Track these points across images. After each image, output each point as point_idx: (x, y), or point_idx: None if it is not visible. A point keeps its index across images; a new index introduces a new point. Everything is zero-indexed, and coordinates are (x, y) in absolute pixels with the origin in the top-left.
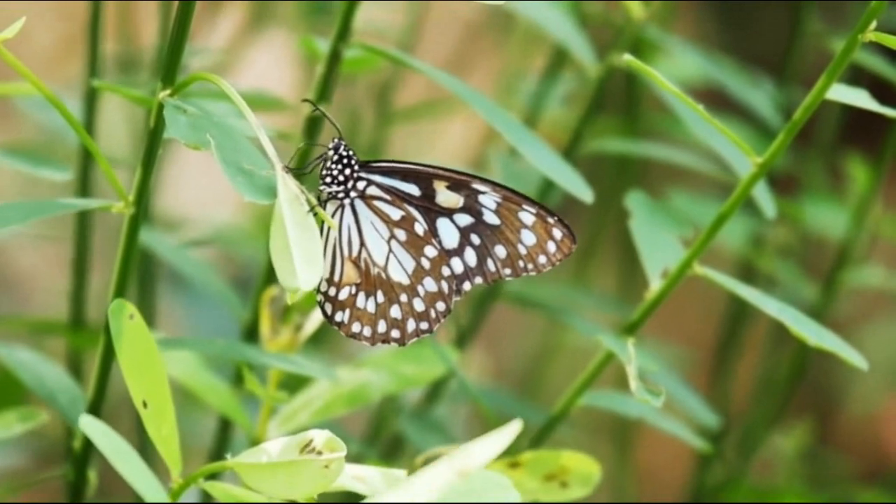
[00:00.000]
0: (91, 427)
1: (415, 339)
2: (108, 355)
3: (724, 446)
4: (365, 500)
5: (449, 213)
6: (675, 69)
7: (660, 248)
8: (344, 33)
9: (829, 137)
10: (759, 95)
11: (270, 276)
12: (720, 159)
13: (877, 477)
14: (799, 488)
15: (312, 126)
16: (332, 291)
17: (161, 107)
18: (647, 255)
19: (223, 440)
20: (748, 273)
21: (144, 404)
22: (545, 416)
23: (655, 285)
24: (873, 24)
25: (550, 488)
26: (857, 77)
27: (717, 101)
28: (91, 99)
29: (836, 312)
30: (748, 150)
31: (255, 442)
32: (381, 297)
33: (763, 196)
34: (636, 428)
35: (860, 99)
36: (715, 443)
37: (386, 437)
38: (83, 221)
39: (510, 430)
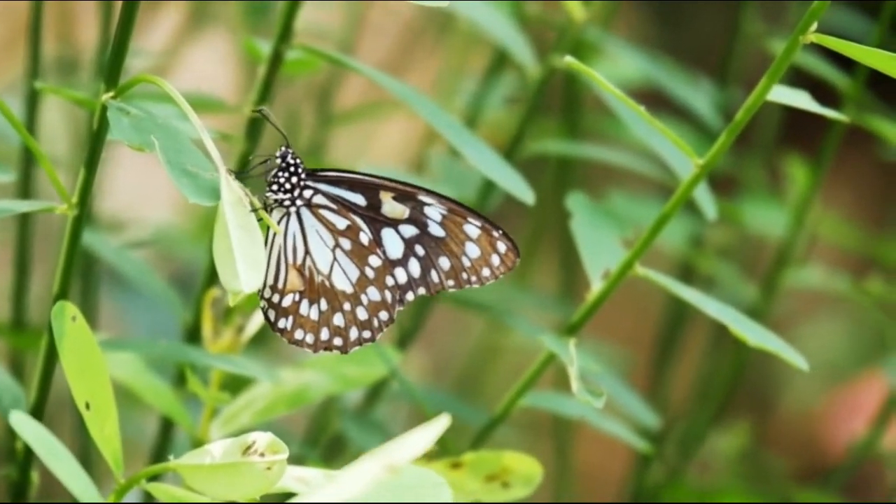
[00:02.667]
0: (24, 426)
1: (357, 348)
2: (51, 356)
3: (664, 446)
4: (294, 500)
5: (394, 223)
6: (615, 70)
7: (601, 249)
8: (285, 35)
9: (768, 138)
10: (698, 96)
11: (212, 278)
12: (661, 160)
13: (813, 476)
14: (738, 488)
15: (254, 128)
16: (276, 298)
17: (104, 109)
18: (588, 257)
19: (165, 441)
20: (688, 273)
21: (87, 405)
22: (486, 417)
23: (597, 286)
24: (814, 26)
25: (492, 489)
26: (797, 78)
27: (658, 101)
28: (32, 100)
29: (775, 312)
30: (689, 152)
31: (197, 443)
32: (324, 305)
33: (704, 197)
34: (576, 427)
35: (801, 100)
36: (655, 443)
37: (327, 437)
38: (25, 223)
39: (438, 425)
